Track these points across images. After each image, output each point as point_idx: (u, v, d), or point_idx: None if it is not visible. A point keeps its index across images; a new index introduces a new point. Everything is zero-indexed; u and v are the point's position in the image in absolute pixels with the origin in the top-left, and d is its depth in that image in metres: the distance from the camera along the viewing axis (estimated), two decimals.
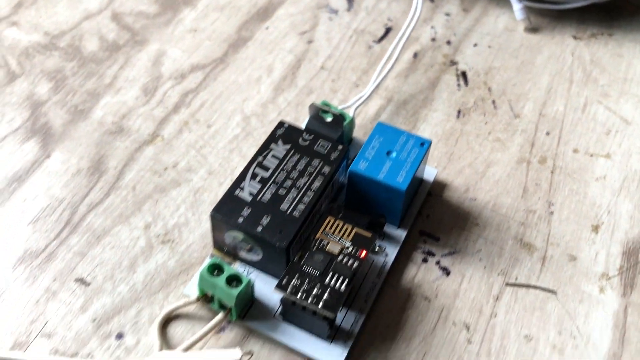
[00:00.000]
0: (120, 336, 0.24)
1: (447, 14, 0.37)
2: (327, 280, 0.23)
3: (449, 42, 0.36)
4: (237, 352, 0.23)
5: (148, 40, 0.35)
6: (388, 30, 0.36)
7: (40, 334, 0.24)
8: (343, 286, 0.23)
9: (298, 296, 0.22)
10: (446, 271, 0.26)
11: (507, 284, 0.26)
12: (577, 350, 0.24)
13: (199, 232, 0.27)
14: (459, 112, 0.32)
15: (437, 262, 0.27)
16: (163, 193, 0.28)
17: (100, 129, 0.30)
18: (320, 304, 0.22)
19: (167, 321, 0.24)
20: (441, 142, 0.31)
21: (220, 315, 0.24)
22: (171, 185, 0.29)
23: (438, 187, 0.29)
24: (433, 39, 0.36)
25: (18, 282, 0.25)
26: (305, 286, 0.23)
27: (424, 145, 0.26)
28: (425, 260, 0.27)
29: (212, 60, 0.34)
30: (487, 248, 0.27)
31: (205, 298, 0.24)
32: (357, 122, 0.31)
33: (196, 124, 0.31)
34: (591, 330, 0.25)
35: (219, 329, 0.24)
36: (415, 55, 0.35)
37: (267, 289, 0.25)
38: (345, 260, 0.23)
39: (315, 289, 0.23)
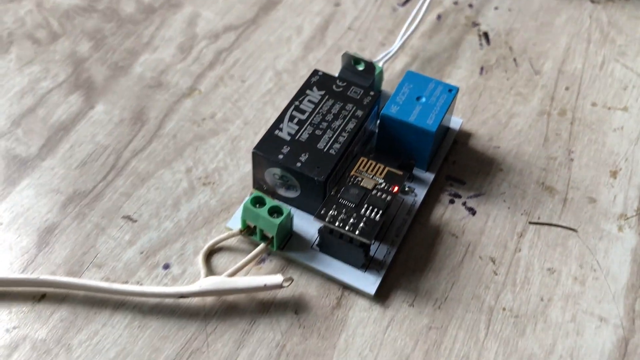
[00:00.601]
0: (167, 266, 0.26)
1: None
2: (363, 211, 0.25)
3: (470, 5, 0.37)
4: (278, 277, 0.24)
5: (182, 3, 0.36)
6: None
7: (92, 264, 0.26)
8: (377, 216, 0.24)
9: (336, 224, 0.24)
10: (472, 211, 0.28)
11: (530, 223, 0.28)
12: (598, 282, 0.26)
13: (237, 175, 0.29)
14: (481, 69, 0.34)
15: (464, 203, 0.28)
16: (202, 141, 0.30)
17: (140, 84, 0.32)
18: (357, 231, 0.24)
19: (211, 253, 0.26)
20: (465, 96, 0.32)
21: (261, 246, 0.25)
22: (209, 134, 0.30)
23: (463, 136, 0.31)
24: (455, 3, 0.37)
25: (69, 218, 0.27)
26: (342, 216, 0.24)
27: (452, 91, 0.28)
28: (452, 202, 0.28)
29: (243, 22, 0.36)
30: (510, 191, 0.29)
31: (248, 230, 0.26)
32: (384, 77, 0.32)
33: (231, 79, 0.33)
34: (610, 264, 0.26)
35: (260, 260, 0.26)
36: (439, 17, 0.36)
37: (304, 224, 0.26)
38: (378, 194, 0.25)
39: (352, 219, 0.24)
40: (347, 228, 0.24)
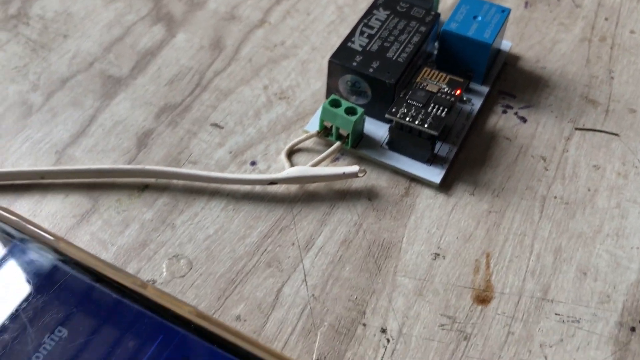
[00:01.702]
0: (253, 163, 0.29)
1: None
2: (429, 109, 0.28)
3: None
4: (355, 167, 0.28)
5: None
6: None
7: (187, 162, 0.29)
8: (443, 113, 0.28)
9: (406, 120, 0.28)
10: (523, 119, 0.31)
11: (576, 129, 0.31)
12: (639, 177, 0.29)
13: (309, 92, 0.32)
14: (526, 3, 0.37)
15: (515, 113, 0.32)
16: (275, 63, 0.34)
17: (215, 17, 0.36)
18: (426, 124, 0.27)
19: (290, 154, 0.30)
20: (512, 25, 0.36)
21: (337, 144, 0.29)
22: (281, 58, 0.34)
23: (512, 58, 0.34)
24: None
25: (163, 125, 0.31)
26: (411, 112, 0.28)
27: (505, 12, 0.31)
28: (504, 112, 0.32)
29: None
30: (557, 103, 0.32)
31: (324, 131, 0.29)
32: (439, 6, 0.36)
33: (297, 12, 0.36)
34: None
35: (334, 157, 0.30)
36: None
37: (372, 129, 0.30)
38: (443, 95, 0.29)
39: (420, 115, 0.28)
40: (416, 122, 0.28)
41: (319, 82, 0.33)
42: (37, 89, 0.32)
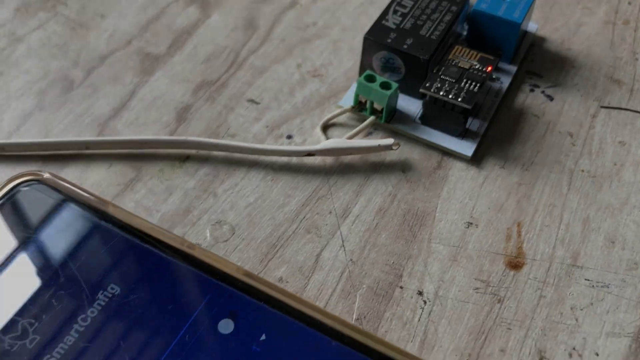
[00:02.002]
0: (289, 137, 0.31)
1: None
2: (462, 84, 0.29)
3: None
4: (390, 139, 0.29)
5: None
6: None
7: (226, 135, 0.31)
8: (476, 88, 0.29)
9: (440, 94, 0.29)
10: (550, 98, 0.32)
11: (602, 107, 0.32)
12: None
13: (341, 70, 0.33)
14: None
15: (542, 92, 0.33)
16: (308, 43, 0.35)
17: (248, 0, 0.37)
18: (459, 98, 0.29)
19: (325, 128, 0.31)
20: (538, 8, 0.37)
21: (371, 118, 0.30)
22: (314, 38, 0.35)
23: (538, 40, 0.35)
24: None
25: (201, 101, 0.32)
26: (445, 87, 0.29)
27: None
28: (532, 90, 0.33)
29: None
30: (582, 82, 0.33)
31: (359, 106, 0.31)
32: None
33: None
34: None
35: (368, 132, 0.31)
36: None
37: (405, 105, 0.31)
38: (475, 71, 0.30)
39: (453, 90, 0.29)
40: (450, 96, 0.29)
41: (350, 62, 0.34)
42: (78, 65, 0.33)
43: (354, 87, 0.31)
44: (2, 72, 0.32)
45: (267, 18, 0.36)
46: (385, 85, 0.30)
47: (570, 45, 0.35)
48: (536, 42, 0.35)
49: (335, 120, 0.31)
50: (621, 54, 0.35)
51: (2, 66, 0.33)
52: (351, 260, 0.26)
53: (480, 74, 0.30)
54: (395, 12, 0.31)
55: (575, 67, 0.34)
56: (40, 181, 0.26)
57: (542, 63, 0.34)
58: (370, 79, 0.30)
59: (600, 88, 0.33)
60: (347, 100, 0.31)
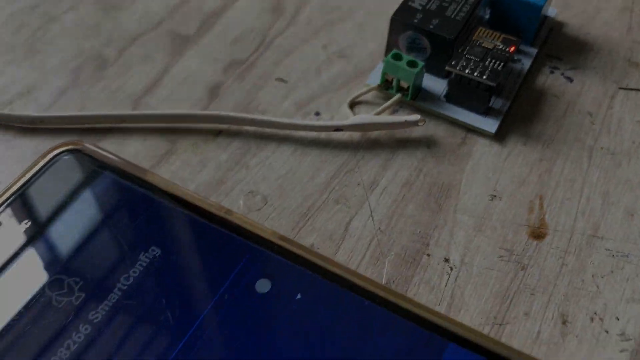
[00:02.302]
0: (317, 114, 0.32)
1: None
2: (487, 63, 0.30)
3: None
4: (416, 115, 0.30)
5: None
6: None
7: (256, 111, 0.32)
8: (500, 67, 0.30)
9: (465, 72, 0.30)
10: (570, 79, 0.34)
11: (620, 88, 0.33)
12: None
13: (367, 51, 0.35)
14: None
15: (562, 73, 0.34)
16: (333, 25, 0.36)
17: None
18: (484, 76, 0.30)
19: (352, 105, 0.32)
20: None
21: (397, 95, 0.31)
22: (338, 21, 0.36)
23: (557, 24, 0.36)
24: None
25: (231, 79, 0.33)
26: (470, 65, 0.30)
27: None
28: (552, 72, 0.34)
29: None
30: (601, 65, 0.34)
31: (385, 84, 0.32)
32: None
33: None
34: None
35: (394, 109, 0.32)
36: None
37: (431, 84, 0.32)
38: (499, 51, 0.31)
39: (478, 68, 0.30)
40: (475, 74, 0.30)
41: (375, 43, 0.35)
42: (110, 45, 0.34)
43: (380, 66, 0.32)
44: (38, 50, 0.34)
45: (292, 2, 0.37)
46: (411, 64, 0.31)
47: (589, 29, 0.36)
48: (555, 27, 0.36)
49: (362, 98, 0.32)
50: (638, 37, 0.36)
51: (37, 44, 0.34)
52: (379, 229, 0.28)
53: (503, 53, 0.31)
54: None
55: (594, 51, 0.35)
56: (81, 150, 0.28)
57: (561, 46, 0.35)
58: (397, 57, 0.31)
59: (618, 71, 0.34)
60: (374, 78, 0.32)
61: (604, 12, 0.37)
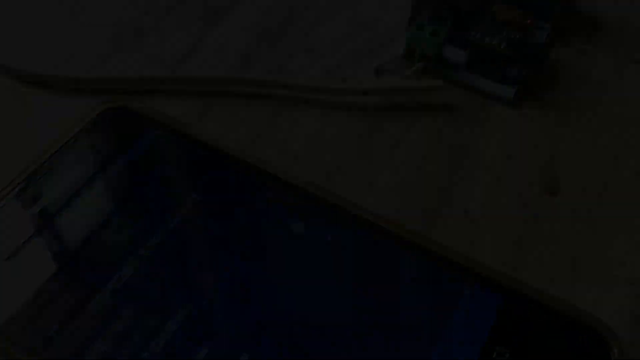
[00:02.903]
0: (344, 80, 0.34)
1: None
2: (505, 34, 0.33)
3: None
4: (439, 81, 0.33)
5: None
6: None
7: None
8: (517, 37, 0.33)
9: (485, 41, 0.32)
10: (583, 51, 0.36)
11: (632, 62, 0.36)
12: None
13: (391, 23, 0.37)
14: None
15: (575, 46, 0.36)
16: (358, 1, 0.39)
17: None
18: (502, 45, 0.32)
19: (377, 72, 0.35)
20: None
21: (421, 63, 0.34)
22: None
23: (571, 1, 0.39)
24: None
25: (262, 49, 0.36)
26: (489, 35, 0.33)
27: None
28: (566, 45, 0.36)
29: None
30: (614, 40, 0.37)
31: (409, 53, 0.34)
32: None
33: None
34: None
35: (417, 76, 0.34)
36: None
37: (452, 53, 0.35)
38: (516, 23, 0.33)
39: (497, 38, 0.33)
40: (494, 43, 0.32)
41: (398, 17, 0.37)
42: (147, 14, 0.37)
43: (404, 36, 0.35)
44: (77, 18, 0.36)
45: None
46: (435, 33, 0.33)
47: (602, 8, 0.39)
48: (569, 4, 0.39)
49: (387, 67, 0.35)
50: None
51: (76, 8, 0.36)
52: (403, 182, 0.30)
53: (521, 25, 0.33)
54: None
55: (607, 27, 0.37)
56: (126, 108, 0.30)
57: (575, 21, 0.38)
58: (421, 27, 0.33)
59: (631, 44, 0.36)
60: (398, 48, 0.35)
61: None
